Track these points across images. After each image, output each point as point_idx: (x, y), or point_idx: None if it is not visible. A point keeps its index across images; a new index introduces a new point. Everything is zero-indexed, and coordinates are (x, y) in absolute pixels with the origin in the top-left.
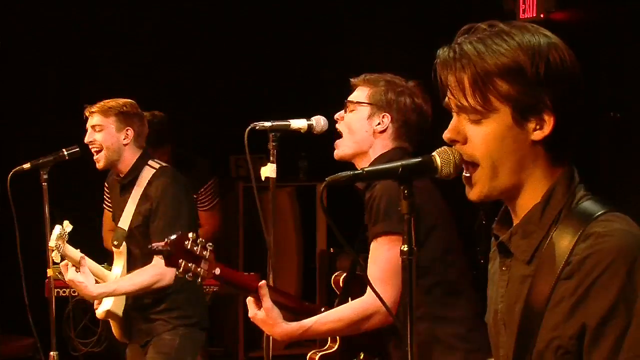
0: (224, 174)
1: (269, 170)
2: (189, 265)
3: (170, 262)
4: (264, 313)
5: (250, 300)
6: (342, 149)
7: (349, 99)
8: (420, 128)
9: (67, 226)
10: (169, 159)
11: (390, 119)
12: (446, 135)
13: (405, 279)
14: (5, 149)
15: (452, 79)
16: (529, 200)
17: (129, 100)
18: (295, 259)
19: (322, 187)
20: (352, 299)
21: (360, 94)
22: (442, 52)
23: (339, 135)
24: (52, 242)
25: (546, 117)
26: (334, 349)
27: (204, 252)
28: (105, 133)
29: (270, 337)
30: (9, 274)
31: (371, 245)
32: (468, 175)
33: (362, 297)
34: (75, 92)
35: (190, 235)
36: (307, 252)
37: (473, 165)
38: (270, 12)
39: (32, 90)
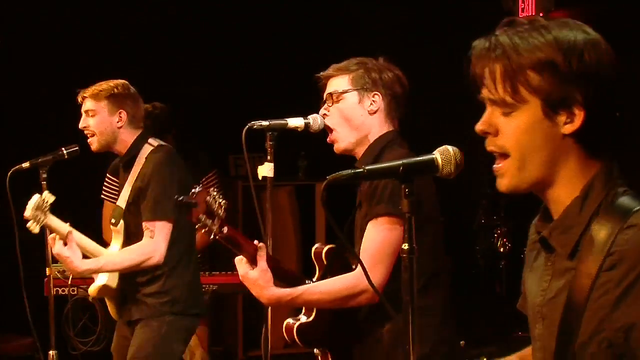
0: (223, 173)
1: (266, 170)
2: (207, 220)
3: (192, 215)
4: (257, 273)
5: (241, 260)
6: (343, 142)
7: (330, 91)
8: (405, 97)
9: (49, 197)
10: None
11: (380, 97)
12: (478, 127)
13: (405, 279)
14: (4, 148)
15: (485, 70)
16: (564, 194)
17: (121, 81)
18: (294, 258)
19: (323, 185)
20: (331, 276)
21: (340, 82)
22: (478, 43)
23: (327, 132)
24: (27, 212)
25: (576, 111)
26: (310, 319)
27: (219, 211)
28: (99, 118)
29: (269, 337)
30: (8, 272)
31: (369, 224)
32: (498, 166)
33: (353, 273)
34: (74, 91)
35: (211, 190)
36: (306, 251)
37: (504, 156)
38: (270, 12)
39: (32, 89)
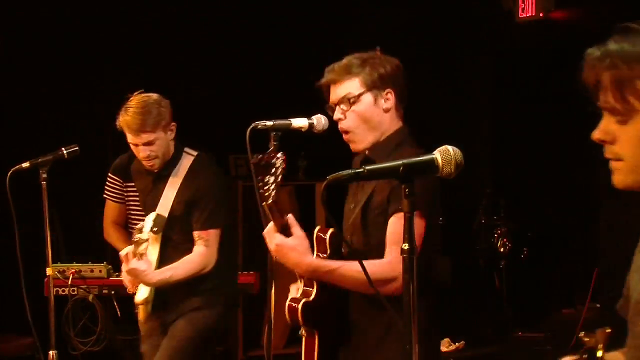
0: (223, 173)
1: None
2: (271, 185)
3: (260, 172)
4: (296, 240)
5: (272, 229)
6: (362, 142)
7: (343, 95)
8: (407, 83)
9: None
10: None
11: (393, 94)
12: (595, 135)
13: (405, 280)
14: (4, 148)
15: (595, 79)
16: None
17: (155, 95)
18: None
19: (324, 185)
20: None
21: (351, 85)
22: (590, 52)
23: (340, 134)
24: (145, 235)
25: None
26: (311, 298)
27: (279, 179)
28: (159, 142)
29: (271, 336)
30: (8, 273)
31: (396, 216)
32: (613, 164)
33: (388, 259)
34: (74, 90)
35: (279, 154)
36: None
37: (617, 159)
38: (270, 12)
39: (32, 89)
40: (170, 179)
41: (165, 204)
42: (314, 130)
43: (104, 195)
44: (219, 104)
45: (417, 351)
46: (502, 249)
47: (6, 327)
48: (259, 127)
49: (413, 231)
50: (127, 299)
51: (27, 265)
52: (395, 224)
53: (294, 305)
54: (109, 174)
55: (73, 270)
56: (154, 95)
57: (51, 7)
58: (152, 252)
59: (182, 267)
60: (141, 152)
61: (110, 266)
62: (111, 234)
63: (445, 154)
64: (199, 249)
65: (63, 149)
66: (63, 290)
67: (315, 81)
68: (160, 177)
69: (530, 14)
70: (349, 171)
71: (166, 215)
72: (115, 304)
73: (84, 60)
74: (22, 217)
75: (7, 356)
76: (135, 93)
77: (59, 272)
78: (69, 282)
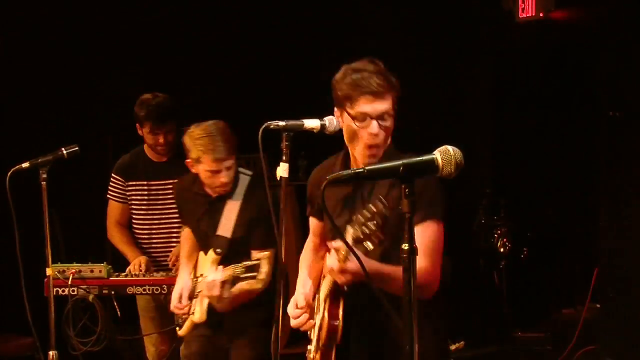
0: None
1: (282, 170)
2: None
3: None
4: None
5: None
6: (380, 156)
7: (386, 111)
8: None
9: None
10: (173, 138)
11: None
12: None
13: (405, 279)
14: (4, 148)
15: None
16: None
17: (218, 121)
18: (295, 258)
19: (323, 185)
20: None
21: (390, 101)
22: None
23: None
24: (260, 284)
25: None
26: (341, 315)
27: None
28: (234, 165)
29: (279, 337)
30: (8, 273)
31: (427, 222)
32: None
33: (426, 266)
34: (74, 90)
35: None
36: None
37: None
38: (270, 13)
39: (32, 89)
40: (230, 201)
41: (226, 225)
42: (326, 132)
43: (108, 196)
44: (219, 105)
45: (418, 351)
46: (502, 249)
47: (6, 327)
48: (272, 127)
49: (413, 231)
50: (127, 299)
51: (27, 265)
52: (419, 235)
53: (335, 324)
54: (112, 174)
55: (73, 271)
56: (218, 121)
57: (51, 7)
58: (211, 272)
59: (247, 289)
60: (222, 178)
61: (110, 266)
62: (114, 235)
63: (445, 154)
64: (262, 268)
65: (63, 149)
66: (63, 290)
67: (314, 82)
68: (219, 199)
69: (530, 14)
70: (349, 171)
71: (229, 237)
72: (115, 304)
73: (84, 60)
74: (22, 217)
75: (7, 356)
76: (194, 126)
77: (59, 272)
78: (69, 282)
